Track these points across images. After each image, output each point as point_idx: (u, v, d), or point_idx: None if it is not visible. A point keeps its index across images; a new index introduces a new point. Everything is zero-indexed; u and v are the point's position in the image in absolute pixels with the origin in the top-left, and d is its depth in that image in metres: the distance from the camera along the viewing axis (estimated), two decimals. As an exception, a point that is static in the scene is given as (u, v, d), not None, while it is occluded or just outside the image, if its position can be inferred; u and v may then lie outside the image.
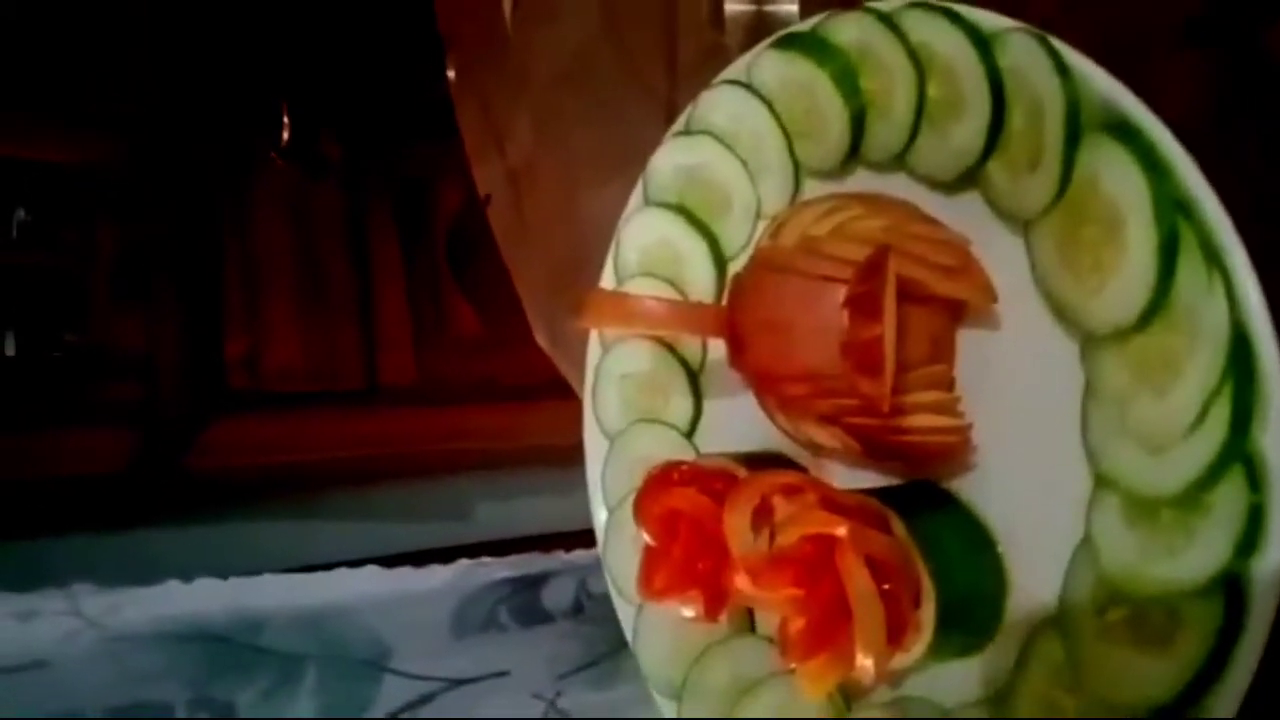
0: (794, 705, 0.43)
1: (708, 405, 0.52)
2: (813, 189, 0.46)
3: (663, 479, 0.43)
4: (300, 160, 1.32)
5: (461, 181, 1.36)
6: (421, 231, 1.41)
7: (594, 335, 0.55)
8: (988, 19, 0.37)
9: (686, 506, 0.42)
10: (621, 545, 0.53)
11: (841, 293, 0.38)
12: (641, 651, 0.52)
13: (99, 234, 1.24)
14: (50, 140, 1.25)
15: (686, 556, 0.41)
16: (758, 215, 0.48)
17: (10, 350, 1.24)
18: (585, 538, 1.65)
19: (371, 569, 1.43)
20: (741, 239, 0.50)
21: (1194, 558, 0.32)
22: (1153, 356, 0.33)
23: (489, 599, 1.36)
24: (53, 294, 1.28)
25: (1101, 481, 0.35)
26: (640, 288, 0.53)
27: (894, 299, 0.36)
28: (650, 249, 0.52)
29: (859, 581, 0.34)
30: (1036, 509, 0.38)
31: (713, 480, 0.42)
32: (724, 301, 0.46)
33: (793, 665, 0.35)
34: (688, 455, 0.51)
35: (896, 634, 0.35)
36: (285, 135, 1.31)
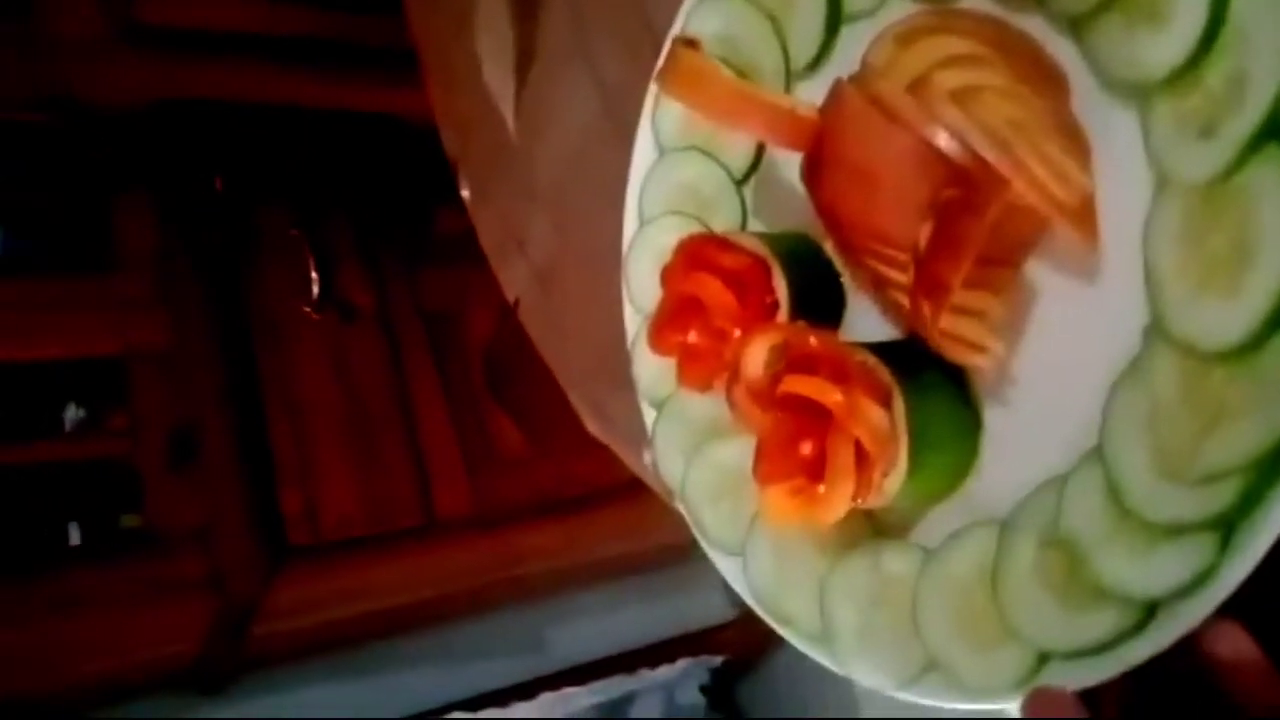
0: (743, 466, 0.42)
1: (765, 162, 0.51)
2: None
3: (696, 254, 0.46)
4: (332, 308, 1.35)
5: (489, 305, 1.39)
6: (457, 359, 1.43)
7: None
8: None
9: (708, 299, 0.45)
10: (643, 261, 0.55)
11: (939, 171, 0.35)
12: (637, 357, 0.55)
13: (145, 415, 1.27)
14: (89, 332, 1.29)
15: (696, 345, 0.46)
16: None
17: (76, 539, 1.26)
18: (665, 651, 1.60)
19: (458, 716, 1.40)
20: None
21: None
22: (1217, 391, 0.32)
23: (579, 728, 1.32)
24: (108, 480, 1.30)
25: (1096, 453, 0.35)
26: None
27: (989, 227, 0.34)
28: None
29: (840, 459, 0.37)
30: (1033, 438, 0.39)
31: (744, 271, 0.45)
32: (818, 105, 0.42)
33: (755, 481, 0.39)
34: (733, 203, 0.52)
35: (860, 492, 0.38)
36: (315, 289, 1.35)
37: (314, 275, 1.34)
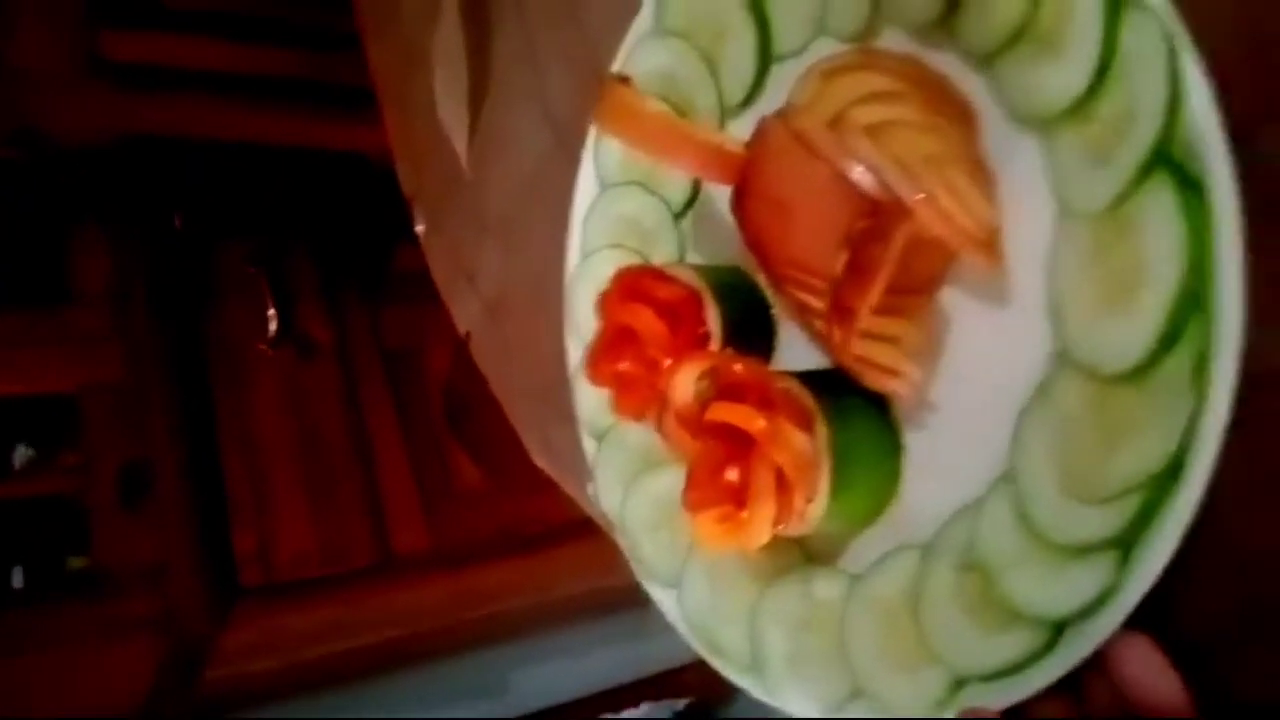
0: (675, 497, 0.42)
1: (702, 196, 0.53)
2: (890, 37, 0.42)
3: (632, 286, 0.47)
4: (290, 345, 1.34)
5: (448, 342, 1.39)
6: (416, 395, 1.42)
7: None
8: None
9: (641, 329, 0.46)
10: (585, 293, 0.56)
11: (854, 202, 0.37)
12: (579, 388, 0.56)
13: (97, 451, 1.25)
14: (42, 367, 1.27)
15: (630, 374, 0.47)
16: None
17: (18, 582, 1.23)
18: (629, 694, 1.57)
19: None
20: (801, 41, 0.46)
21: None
22: (1118, 412, 0.33)
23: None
24: (56, 520, 1.28)
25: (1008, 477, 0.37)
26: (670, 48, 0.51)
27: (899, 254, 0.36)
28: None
29: (760, 483, 0.38)
30: (951, 463, 0.40)
31: (678, 302, 0.46)
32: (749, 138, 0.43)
33: (685, 508, 0.40)
34: (671, 236, 0.54)
35: (783, 516, 0.38)
36: (272, 327, 1.34)
37: (271, 312, 1.33)
